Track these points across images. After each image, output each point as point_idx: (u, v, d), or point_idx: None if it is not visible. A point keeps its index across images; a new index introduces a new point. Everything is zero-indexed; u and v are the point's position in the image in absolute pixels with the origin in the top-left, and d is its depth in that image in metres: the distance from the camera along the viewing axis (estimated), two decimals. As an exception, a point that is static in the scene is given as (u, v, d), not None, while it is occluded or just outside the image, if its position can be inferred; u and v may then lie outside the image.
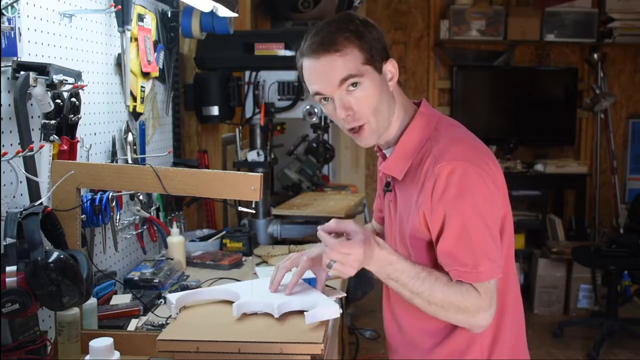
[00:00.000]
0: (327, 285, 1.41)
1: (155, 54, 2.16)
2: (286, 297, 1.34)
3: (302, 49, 1.29)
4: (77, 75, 1.57)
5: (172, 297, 1.35)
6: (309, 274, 1.41)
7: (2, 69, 1.32)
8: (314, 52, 1.26)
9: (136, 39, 1.99)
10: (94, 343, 1.14)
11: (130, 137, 1.98)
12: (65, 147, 1.52)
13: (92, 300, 1.49)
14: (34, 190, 1.43)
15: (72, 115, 1.54)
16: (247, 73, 2.57)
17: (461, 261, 1.22)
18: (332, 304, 1.27)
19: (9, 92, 1.37)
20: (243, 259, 2.28)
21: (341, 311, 1.37)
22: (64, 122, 1.52)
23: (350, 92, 1.27)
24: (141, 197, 2.04)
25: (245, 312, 1.30)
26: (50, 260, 1.16)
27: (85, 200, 1.61)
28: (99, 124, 1.84)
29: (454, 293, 1.23)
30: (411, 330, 1.39)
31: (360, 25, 1.28)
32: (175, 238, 2.15)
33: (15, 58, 1.38)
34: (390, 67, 1.31)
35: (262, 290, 1.39)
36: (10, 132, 1.38)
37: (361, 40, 1.26)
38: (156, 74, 2.18)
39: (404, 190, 1.33)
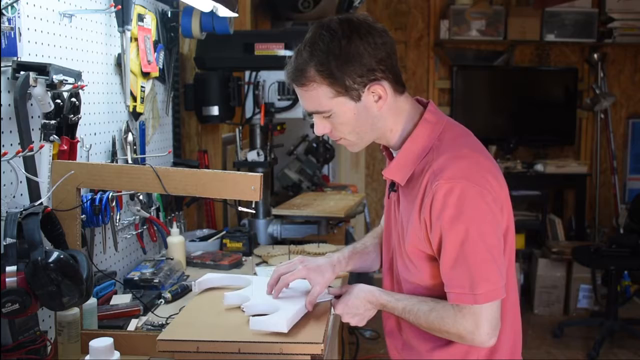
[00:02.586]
0: (330, 287, 1.42)
1: (155, 54, 2.15)
2: (265, 299, 1.36)
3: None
4: (77, 75, 1.57)
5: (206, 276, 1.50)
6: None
7: (2, 69, 1.32)
8: (287, 78, 1.29)
9: (136, 39, 1.99)
10: (94, 343, 1.14)
11: (130, 137, 1.98)
12: (65, 147, 1.52)
13: (92, 300, 1.49)
14: (34, 190, 1.43)
15: (72, 115, 1.54)
16: (247, 73, 2.57)
17: (457, 284, 1.22)
18: (284, 318, 1.23)
19: (9, 92, 1.37)
20: (243, 259, 2.28)
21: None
22: (64, 122, 1.52)
23: (325, 118, 1.29)
24: (141, 197, 2.03)
25: (229, 304, 1.36)
26: (50, 260, 1.16)
27: (85, 200, 1.61)
28: (99, 124, 1.84)
29: (434, 319, 1.26)
30: (410, 332, 1.39)
31: (343, 47, 1.21)
32: (175, 238, 2.15)
33: (15, 58, 1.37)
34: (379, 91, 1.25)
35: (265, 286, 1.42)
36: (10, 132, 1.38)
37: (333, 77, 1.22)
38: (156, 74, 2.18)
39: (407, 195, 1.33)
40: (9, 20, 1.33)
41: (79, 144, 1.59)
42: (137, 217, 2.05)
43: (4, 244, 1.16)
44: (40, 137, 1.46)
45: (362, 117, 1.27)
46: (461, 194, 1.19)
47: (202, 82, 2.51)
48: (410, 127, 1.32)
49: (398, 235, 1.38)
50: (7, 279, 1.14)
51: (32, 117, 1.45)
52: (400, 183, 1.33)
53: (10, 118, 1.38)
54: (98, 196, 1.65)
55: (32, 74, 1.36)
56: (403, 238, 1.34)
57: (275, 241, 2.58)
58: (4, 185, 1.36)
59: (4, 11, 1.30)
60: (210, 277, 1.50)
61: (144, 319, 1.65)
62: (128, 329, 1.59)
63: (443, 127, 1.31)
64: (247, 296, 1.36)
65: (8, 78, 1.37)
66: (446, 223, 1.20)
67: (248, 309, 1.30)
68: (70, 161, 1.51)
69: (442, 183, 1.20)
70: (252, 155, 2.56)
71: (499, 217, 1.24)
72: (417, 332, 1.36)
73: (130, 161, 1.96)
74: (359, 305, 1.34)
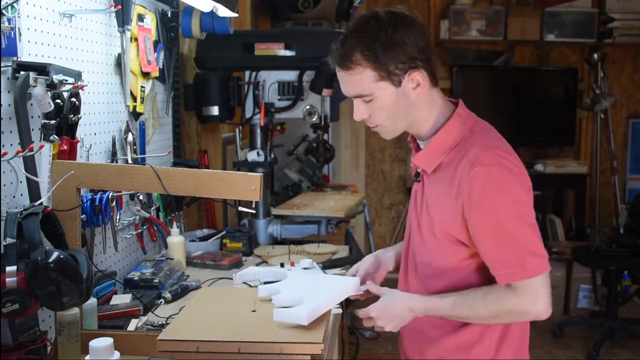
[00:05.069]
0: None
1: (155, 54, 2.15)
2: (294, 292, 1.35)
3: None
4: (77, 75, 1.57)
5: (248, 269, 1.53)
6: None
7: (2, 69, 1.32)
8: (333, 62, 1.35)
9: (136, 39, 1.99)
10: (94, 343, 1.14)
11: (130, 137, 1.98)
12: (65, 147, 1.51)
13: (92, 300, 1.49)
14: (34, 190, 1.43)
15: (72, 115, 1.54)
16: (247, 73, 2.57)
17: (506, 263, 1.27)
18: (304, 310, 1.24)
19: (9, 92, 1.37)
20: (243, 259, 2.28)
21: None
22: (64, 122, 1.52)
23: (365, 102, 1.35)
24: (141, 197, 2.03)
25: (261, 296, 1.37)
26: (50, 260, 1.16)
27: (85, 200, 1.61)
28: (99, 124, 1.84)
29: (493, 302, 1.29)
30: (420, 318, 1.41)
31: (389, 35, 1.29)
32: (175, 238, 2.15)
33: (15, 58, 1.37)
34: (418, 78, 1.33)
35: (299, 280, 1.44)
36: (10, 132, 1.38)
37: (378, 62, 1.29)
38: (156, 74, 2.18)
39: (434, 184, 1.38)
40: (9, 20, 1.33)
41: (79, 144, 1.59)
42: (137, 217, 2.05)
43: (4, 244, 1.16)
44: (40, 137, 1.46)
45: (400, 102, 1.34)
46: (500, 179, 1.26)
47: (202, 82, 2.51)
48: (443, 119, 1.38)
49: (418, 220, 1.43)
50: (7, 279, 1.14)
51: (32, 117, 1.45)
52: (427, 170, 1.39)
53: (10, 118, 1.38)
54: (98, 196, 1.65)
55: (32, 74, 1.36)
56: (431, 221, 1.38)
57: (275, 241, 2.58)
58: (4, 185, 1.36)
59: (4, 11, 1.30)
60: (251, 271, 1.53)
61: (144, 319, 1.65)
62: (128, 329, 1.59)
63: (474, 122, 1.39)
64: (279, 288, 1.37)
65: (8, 78, 1.37)
66: (487, 206, 1.26)
67: (276, 301, 1.31)
68: (70, 161, 1.51)
69: (481, 169, 1.26)
70: (252, 155, 2.56)
71: (530, 200, 1.33)
72: (429, 319, 1.39)
73: (130, 161, 1.96)
74: (398, 314, 1.37)
